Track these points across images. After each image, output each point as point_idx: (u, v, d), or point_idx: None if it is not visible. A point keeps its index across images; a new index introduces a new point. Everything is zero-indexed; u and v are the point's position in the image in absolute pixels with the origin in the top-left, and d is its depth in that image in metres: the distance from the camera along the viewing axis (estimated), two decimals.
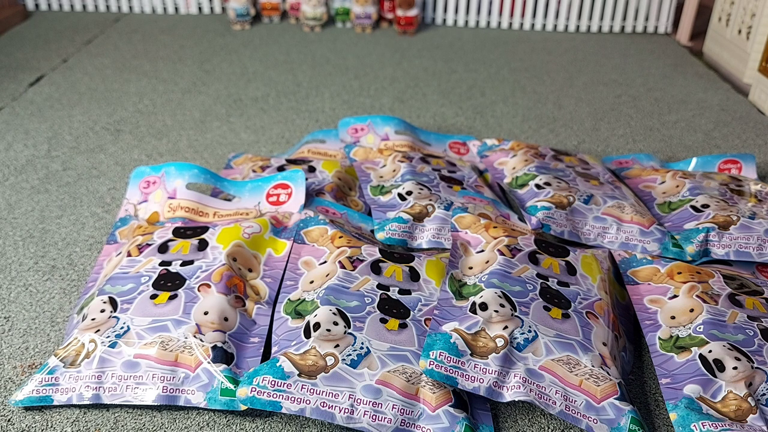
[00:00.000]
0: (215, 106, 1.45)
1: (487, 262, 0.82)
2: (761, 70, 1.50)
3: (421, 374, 0.68)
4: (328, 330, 0.71)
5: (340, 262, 0.81)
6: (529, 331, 0.70)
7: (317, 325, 0.71)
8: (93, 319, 0.73)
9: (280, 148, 1.26)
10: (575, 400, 0.66)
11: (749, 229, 0.90)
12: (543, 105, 1.50)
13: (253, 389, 0.65)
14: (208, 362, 0.69)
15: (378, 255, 0.83)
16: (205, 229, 0.87)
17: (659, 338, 0.75)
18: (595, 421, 0.65)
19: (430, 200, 0.97)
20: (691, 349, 0.72)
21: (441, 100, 1.52)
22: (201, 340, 0.71)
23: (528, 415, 0.70)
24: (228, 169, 1.15)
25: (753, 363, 0.69)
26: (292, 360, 0.68)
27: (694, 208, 0.97)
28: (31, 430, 0.67)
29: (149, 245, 0.84)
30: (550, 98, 1.54)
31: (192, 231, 0.87)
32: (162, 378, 0.68)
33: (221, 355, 0.70)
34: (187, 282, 0.78)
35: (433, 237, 0.92)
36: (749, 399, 0.66)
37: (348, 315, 0.73)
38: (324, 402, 0.65)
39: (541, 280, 0.79)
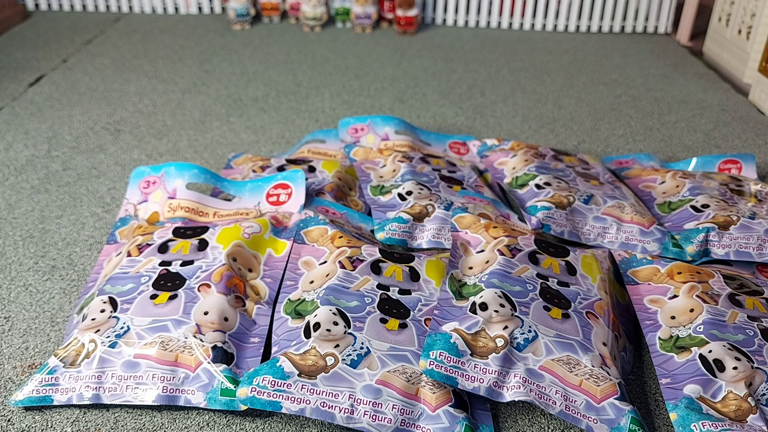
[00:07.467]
0: (215, 106, 1.45)
1: (487, 262, 0.82)
2: (761, 70, 1.50)
3: (421, 374, 0.68)
4: (328, 330, 0.71)
5: (340, 262, 0.81)
6: (529, 331, 0.70)
7: (317, 325, 0.71)
8: (93, 319, 0.73)
9: (280, 148, 1.26)
10: (575, 400, 0.66)
11: (749, 229, 0.90)
12: (543, 105, 1.50)
13: (253, 389, 0.65)
14: (208, 362, 0.69)
15: (378, 255, 0.83)
16: (205, 229, 0.87)
17: (659, 338, 0.75)
18: (595, 421, 0.65)
19: (430, 200, 0.96)
20: (691, 349, 0.72)
21: (441, 100, 1.52)
22: (201, 340, 0.71)
23: (528, 415, 0.70)
24: (228, 169, 1.15)
25: (753, 363, 0.69)
26: (292, 360, 0.68)
27: (694, 208, 0.97)
28: (31, 430, 0.67)
29: (149, 245, 0.84)
30: (550, 98, 1.54)
31: (192, 231, 0.87)
32: (162, 378, 0.68)
33: (221, 355, 0.70)
34: (187, 282, 0.78)
35: (433, 237, 0.92)
36: (749, 399, 0.66)
37: (348, 315, 0.73)
38: (324, 402, 0.65)
39: (541, 280, 0.79)
